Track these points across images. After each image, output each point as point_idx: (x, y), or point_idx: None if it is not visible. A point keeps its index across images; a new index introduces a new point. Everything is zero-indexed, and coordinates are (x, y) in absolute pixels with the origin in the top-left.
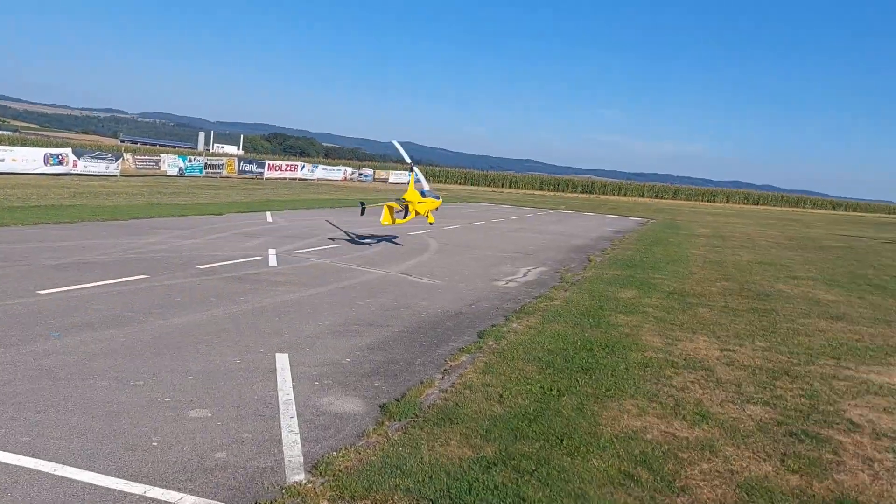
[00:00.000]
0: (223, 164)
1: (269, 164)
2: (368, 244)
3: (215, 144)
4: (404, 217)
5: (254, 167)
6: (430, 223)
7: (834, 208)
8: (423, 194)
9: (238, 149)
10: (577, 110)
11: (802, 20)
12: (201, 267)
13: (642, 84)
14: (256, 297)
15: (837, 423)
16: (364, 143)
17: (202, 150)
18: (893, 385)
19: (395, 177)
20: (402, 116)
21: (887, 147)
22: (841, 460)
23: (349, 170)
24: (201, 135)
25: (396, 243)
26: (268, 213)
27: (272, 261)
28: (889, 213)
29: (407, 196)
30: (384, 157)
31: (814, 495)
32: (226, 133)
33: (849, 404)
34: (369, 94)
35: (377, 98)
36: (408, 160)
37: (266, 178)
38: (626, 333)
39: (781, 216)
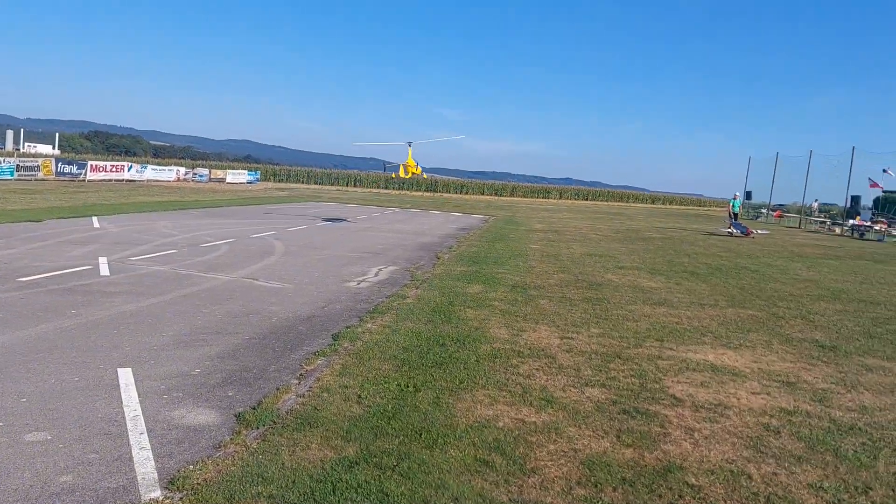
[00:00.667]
0: (38, 166)
1: (91, 165)
2: (213, 247)
3: (26, 144)
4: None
5: (74, 168)
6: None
7: (653, 202)
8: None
9: (54, 148)
10: (419, 109)
11: (620, 30)
12: (23, 279)
13: (481, 86)
14: (90, 310)
15: (663, 399)
16: (196, 140)
17: (11, 150)
18: (707, 361)
19: (233, 176)
20: (237, 113)
21: (696, 146)
22: (667, 432)
23: (182, 170)
24: (9, 133)
25: (248, 246)
26: (94, 219)
27: (104, 270)
28: (700, 206)
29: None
30: (220, 155)
31: (646, 465)
32: (38, 131)
33: (672, 381)
34: (201, 89)
35: (210, 94)
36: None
37: (89, 180)
38: (476, 327)
39: (608, 210)
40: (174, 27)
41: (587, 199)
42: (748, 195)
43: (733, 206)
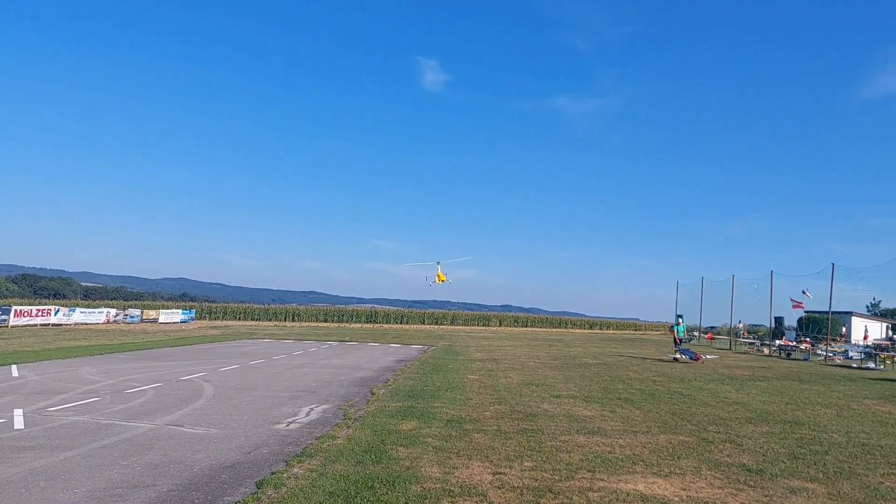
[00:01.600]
0: None
1: (15, 311)
2: (138, 394)
3: None
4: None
5: None
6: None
7: (590, 327)
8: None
9: None
10: (355, 240)
11: (547, 165)
12: None
13: (417, 216)
14: None
15: None
16: (130, 280)
17: None
18: (638, 491)
19: (166, 316)
20: (173, 251)
21: (628, 272)
22: None
23: (113, 311)
24: None
25: (175, 390)
26: (13, 367)
27: (18, 423)
28: (636, 330)
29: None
30: (154, 294)
31: None
32: None
33: None
34: (135, 227)
35: (144, 232)
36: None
37: (12, 326)
38: (407, 466)
39: (547, 337)
40: (106, 165)
41: (526, 326)
42: (679, 319)
43: (677, 331)
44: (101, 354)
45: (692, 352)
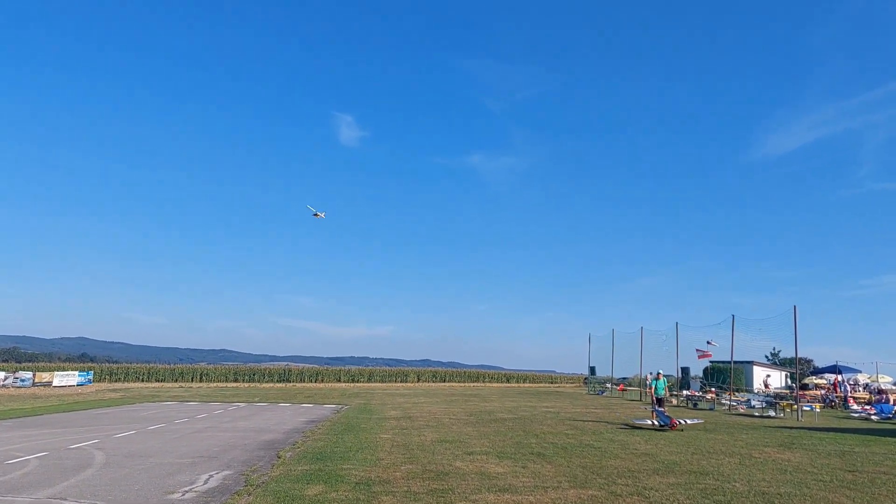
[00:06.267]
0: None
1: None
2: (20, 463)
3: None
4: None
5: None
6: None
7: (508, 380)
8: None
9: None
10: (269, 296)
11: (458, 222)
12: None
13: (331, 270)
14: None
15: None
16: (25, 340)
17: None
18: None
19: (61, 379)
20: (72, 309)
21: (542, 325)
22: None
23: (1, 374)
24: None
25: (62, 459)
26: None
27: None
28: (552, 382)
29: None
30: (51, 355)
31: None
32: None
33: None
34: (26, 282)
35: (40, 288)
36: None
37: None
38: None
39: (464, 392)
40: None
41: (444, 381)
42: (592, 371)
43: (656, 388)
44: None
45: (667, 415)
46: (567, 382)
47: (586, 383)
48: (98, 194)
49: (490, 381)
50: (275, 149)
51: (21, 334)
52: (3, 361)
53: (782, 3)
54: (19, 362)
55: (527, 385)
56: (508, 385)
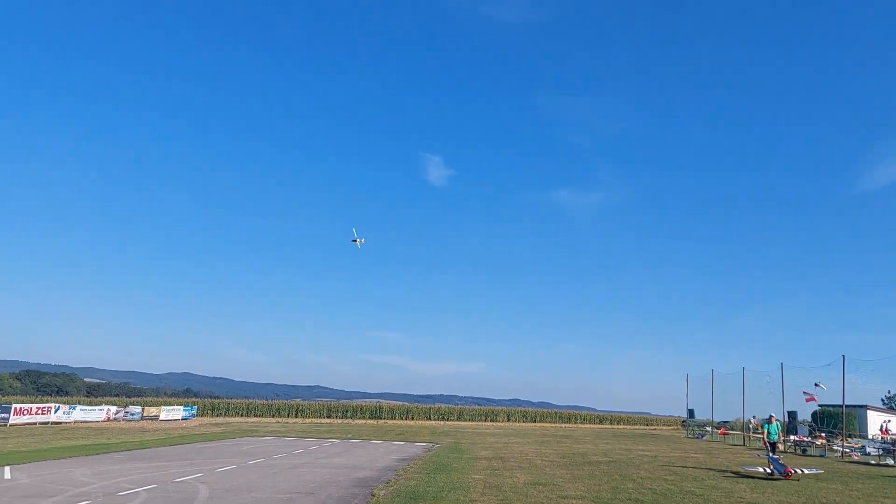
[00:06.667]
0: None
1: (15, 408)
2: (133, 494)
3: None
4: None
5: None
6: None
7: (600, 422)
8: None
9: None
10: (361, 332)
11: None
12: None
13: (420, 310)
14: None
15: None
16: (134, 376)
17: None
18: None
19: (167, 413)
20: (177, 346)
21: (636, 365)
22: None
23: (113, 409)
24: None
25: (169, 493)
26: (6, 469)
27: None
28: (647, 425)
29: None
30: (157, 390)
31: None
32: None
33: None
34: (139, 321)
35: (146, 326)
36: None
37: (11, 425)
38: None
39: (556, 433)
40: (109, 260)
41: (535, 421)
42: (691, 413)
43: (769, 432)
44: (97, 454)
45: (782, 463)
46: (663, 425)
47: (684, 426)
48: (204, 241)
49: (582, 422)
50: (365, 190)
51: (131, 370)
52: (115, 396)
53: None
54: (129, 397)
55: (620, 427)
56: (601, 426)
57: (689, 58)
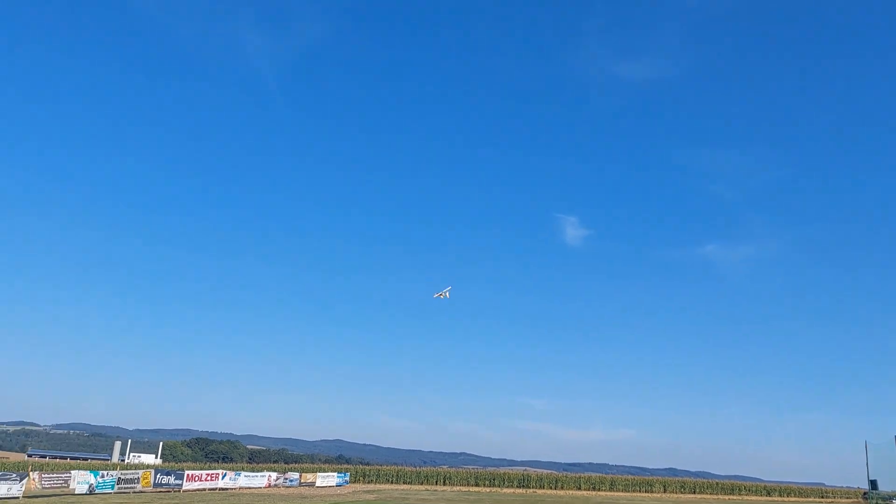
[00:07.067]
0: (138, 478)
1: (187, 475)
2: None
3: (132, 454)
4: None
5: (171, 479)
6: None
7: (768, 493)
8: None
9: (156, 457)
10: (505, 398)
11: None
12: None
13: (564, 372)
14: None
15: None
16: (289, 442)
17: (117, 461)
18: None
19: (322, 479)
20: (330, 414)
21: (812, 431)
22: None
23: (274, 475)
24: (117, 444)
25: None
26: None
27: None
28: (821, 496)
29: None
30: (312, 456)
31: None
32: (144, 441)
33: None
34: (296, 391)
35: (301, 395)
36: None
37: (184, 491)
38: None
39: None
40: (269, 333)
41: (694, 492)
42: (873, 484)
43: None
44: None
45: None
46: (842, 497)
47: (866, 498)
48: (353, 311)
49: (747, 493)
50: (504, 252)
51: (288, 437)
52: (275, 462)
53: None
54: (287, 462)
55: (791, 499)
56: (769, 498)
57: (836, 102)
